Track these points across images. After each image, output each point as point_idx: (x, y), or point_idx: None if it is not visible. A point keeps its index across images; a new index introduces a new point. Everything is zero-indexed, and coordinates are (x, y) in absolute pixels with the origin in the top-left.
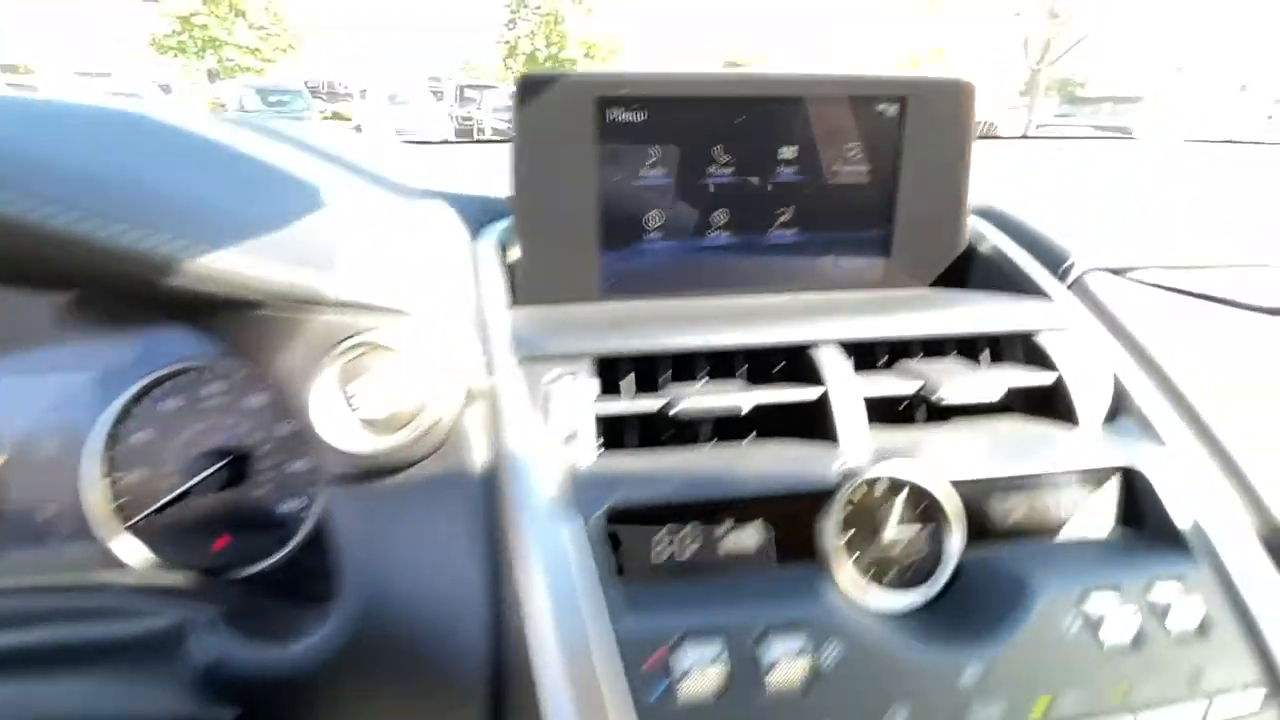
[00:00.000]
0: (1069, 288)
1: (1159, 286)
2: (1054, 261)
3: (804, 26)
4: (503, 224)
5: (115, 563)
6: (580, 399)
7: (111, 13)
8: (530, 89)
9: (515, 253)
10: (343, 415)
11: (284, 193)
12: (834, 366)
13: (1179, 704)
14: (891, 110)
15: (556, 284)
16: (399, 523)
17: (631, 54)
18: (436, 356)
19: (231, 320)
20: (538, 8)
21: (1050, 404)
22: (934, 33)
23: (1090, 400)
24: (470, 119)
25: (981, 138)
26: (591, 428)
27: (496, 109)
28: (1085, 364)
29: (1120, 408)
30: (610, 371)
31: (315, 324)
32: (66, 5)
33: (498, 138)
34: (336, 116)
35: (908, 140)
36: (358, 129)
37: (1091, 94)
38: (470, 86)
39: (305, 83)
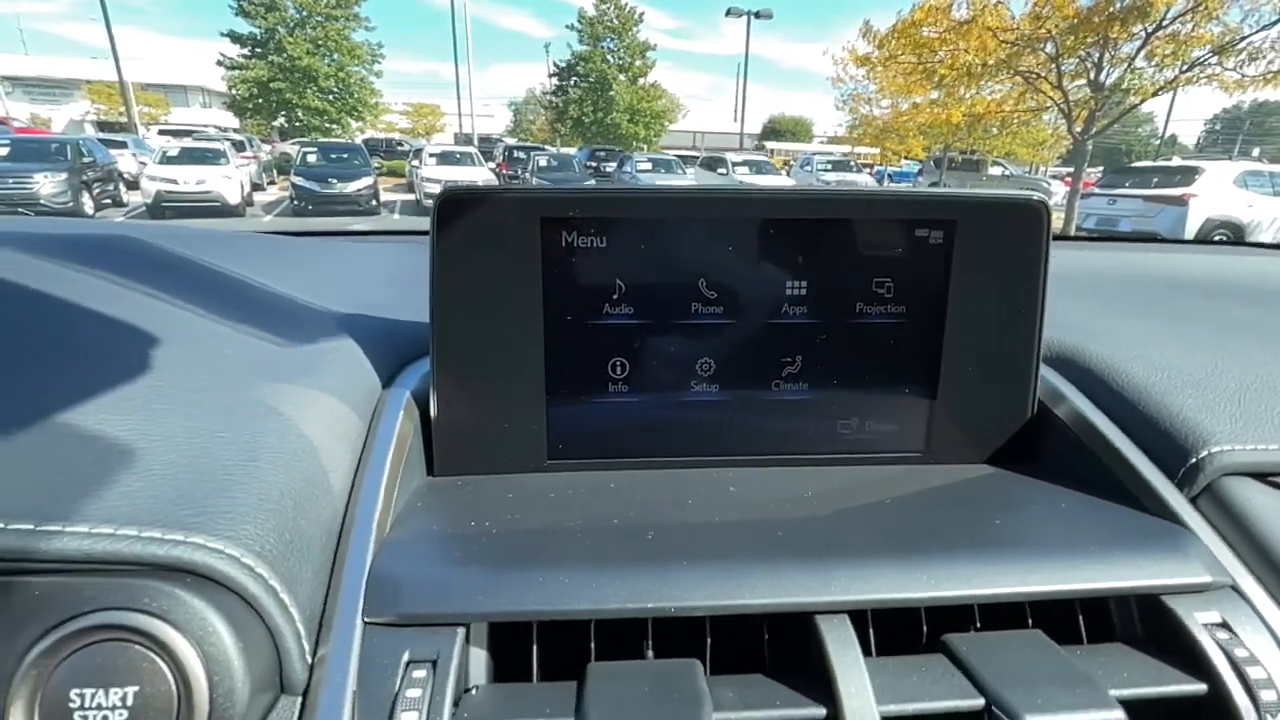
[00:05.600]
0: (1194, 499)
1: None
2: (1170, 453)
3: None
4: (426, 364)
5: None
6: (434, 711)
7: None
8: (455, 207)
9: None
10: None
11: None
12: (844, 660)
13: None
14: (936, 237)
15: (488, 449)
16: None
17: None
18: (224, 645)
19: None
20: (586, 75)
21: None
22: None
23: None
24: (517, 178)
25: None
26: None
27: (539, 169)
28: (1259, 665)
29: None
30: (517, 628)
31: (22, 591)
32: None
33: None
34: (391, 173)
35: (958, 274)
36: (410, 186)
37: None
38: (519, 148)
39: (365, 141)
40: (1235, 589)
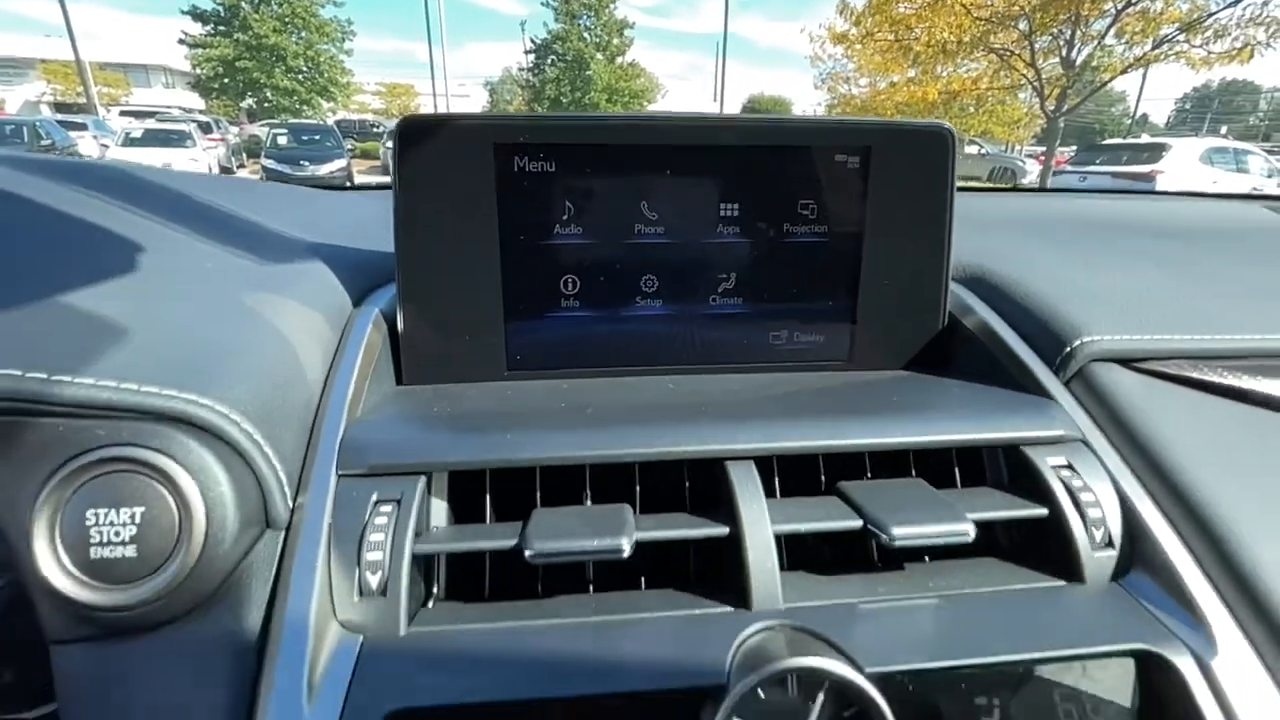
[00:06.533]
0: (1068, 382)
1: (1192, 383)
2: (1051, 346)
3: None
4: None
5: None
6: (399, 536)
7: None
8: (415, 133)
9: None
10: (77, 554)
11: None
12: (747, 494)
13: None
14: (853, 161)
15: (450, 360)
16: (139, 700)
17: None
18: (217, 480)
19: None
20: (563, 54)
21: (1042, 545)
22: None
23: (1096, 544)
24: None
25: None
26: (405, 579)
27: None
28: (1089, 492)
29: (1137, 559)
30: (472, 484)
31: (41, 431)
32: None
33: None
34: (365, 155)
35: (874, 196)
36: (385, 168)
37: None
38: None
39: (338, 122)
40: (1084, 442)
